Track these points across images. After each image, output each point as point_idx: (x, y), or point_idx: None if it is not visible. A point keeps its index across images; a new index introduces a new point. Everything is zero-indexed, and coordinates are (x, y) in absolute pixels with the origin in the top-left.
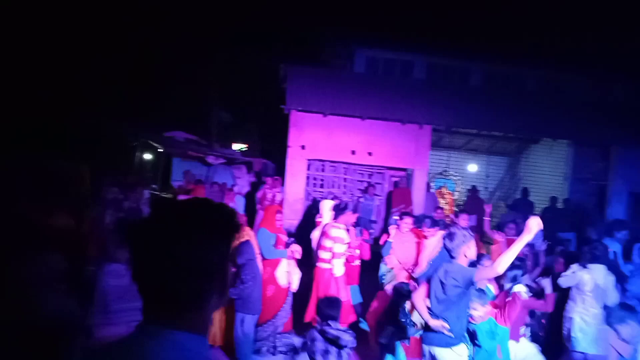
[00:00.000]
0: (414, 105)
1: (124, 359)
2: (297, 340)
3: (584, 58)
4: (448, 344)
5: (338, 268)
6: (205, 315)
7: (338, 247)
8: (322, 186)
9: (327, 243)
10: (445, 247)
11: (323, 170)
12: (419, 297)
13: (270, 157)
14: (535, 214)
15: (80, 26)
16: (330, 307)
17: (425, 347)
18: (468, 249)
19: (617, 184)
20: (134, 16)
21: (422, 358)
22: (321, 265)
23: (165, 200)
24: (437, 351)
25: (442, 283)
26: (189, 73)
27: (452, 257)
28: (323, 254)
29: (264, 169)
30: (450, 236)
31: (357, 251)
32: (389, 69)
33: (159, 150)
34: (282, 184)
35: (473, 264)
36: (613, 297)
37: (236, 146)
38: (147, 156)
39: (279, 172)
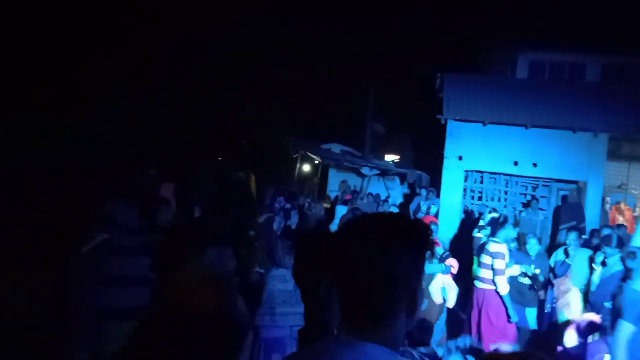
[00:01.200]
0: (586, 111)
1: None
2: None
3: None
4: None
5: (502, 286)
6: (397, 330)
7: (498, 263)
8: (480, 199)
9: (486, 260)
10: (624, 266)
11: (482, 182)
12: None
13: (424, 168)
14: None
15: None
16: (421, 331)
17: None
18: None
19: None
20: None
21: None
22: (479, 284)
23: (362, 214)
24: None
25: None
26: (344, 84)
27: (630, 278)
28: (482, 272)
29: (418, 180)
30: (631, 254)
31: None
32: (557, 72)
33: (316, 161)
34: (438, 196)
35: None
36: None
37: (389, 157)
38: (306, 167)
39: (434, 183)
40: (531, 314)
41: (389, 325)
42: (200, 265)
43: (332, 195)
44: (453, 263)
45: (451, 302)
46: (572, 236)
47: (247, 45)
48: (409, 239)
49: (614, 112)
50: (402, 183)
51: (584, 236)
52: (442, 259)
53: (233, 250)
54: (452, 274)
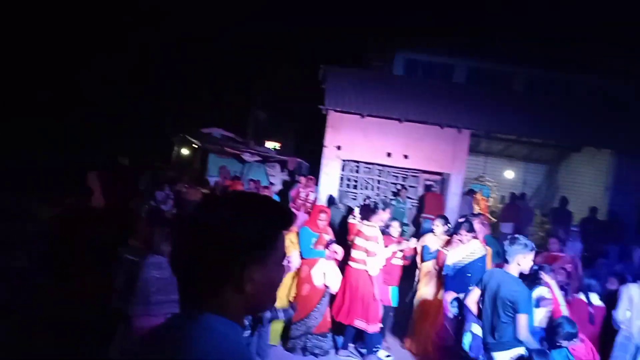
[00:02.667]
0: (453, 109)
1: (160, 342)
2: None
3: (630, 64)
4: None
5: (373, 267)
6: (234, 303)
7: (372, 245)
8: (355, 187)
9: (360, 242)
10: (503, 249)
11: (357, 172)
12: (472, 301)
13: (305, 156)
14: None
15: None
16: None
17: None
18: (523, 259)
19: None
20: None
21: None
22: (353, 265)
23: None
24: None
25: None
26: (228, 71)
27: (505, 261)
28: (356, 254)
29: (298, 168)
30: (512, 240)
31: (400, 250)
32: (429, 72)
33: (196, 146)
34: (316, 184)
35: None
36: None
37: (270, 144)
38: (185, 151)
39: (313, 171)
40: (394, 292)
41: (222, 298)
42: (74, 253)
43: (212, 180)
44: (337, 249)
45: (335, 288)
46: (432, 223)
47: (124, 21)
48: (246, 216)
49: (476, 111)
50: (282, 170)
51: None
52: (327, 245)
53: (107, 237)
54: (336, 260)
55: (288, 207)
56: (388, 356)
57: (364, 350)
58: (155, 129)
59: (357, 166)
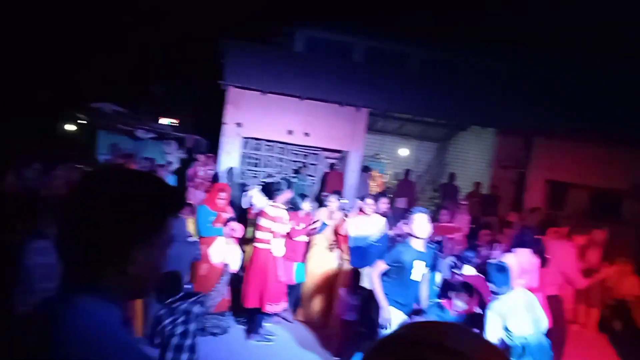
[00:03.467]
0: (352, 87)
1: (35, 325)
2: (229, 322)
3: (518, 46)
4: None
5: (278, 248)
6: (114, 284)
7: (277, 226)
8: (256, 165)
9: (265, 223)
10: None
11: (258, 150)
12: (375, 273)
13: (204, 133)
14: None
15: None
16: (170, 283)
17: None
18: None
19: (536, 172)
20: None
21: None
22: (259, 246)
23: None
24: None
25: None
26: (120, 41)
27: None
28: (261, 235)
29: (197, 145)
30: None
31: (302, 225)
32: (328, 50)
33: (84, 122)
34: (216, 162)
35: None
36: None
37: (166, 121)
38: (71, 128)
39: (213, 149)
40: (300, 269)
41: (104, 279)
42: None
43: (102, 159)
44: (236, 227)
45: (234, 266)
46: (331, 199)
47: None
48: (134, 195)
49: (374, 90)
50: (179, 148)
51: (343, 200)
52: (225, 223)
53: None
54: (235, 238)
55: (180, 190)
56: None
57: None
58: (38, 104)
59: (258, 144)
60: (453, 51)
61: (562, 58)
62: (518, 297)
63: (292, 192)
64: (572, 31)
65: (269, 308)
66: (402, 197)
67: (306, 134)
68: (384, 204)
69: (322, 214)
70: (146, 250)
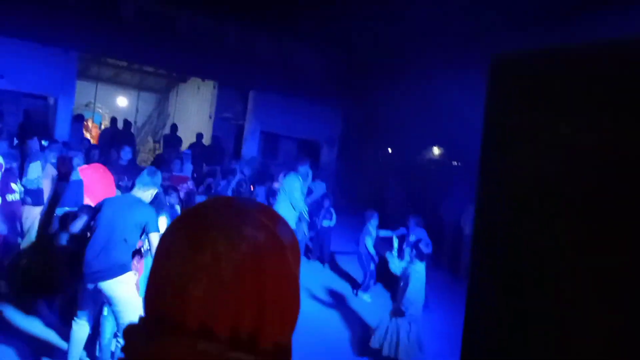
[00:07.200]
0: (59, 27)
1: None
2: None
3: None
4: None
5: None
6: None
7: None
8: None
9: None
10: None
11: None
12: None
13: None
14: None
15: None
16: None
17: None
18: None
19: (252, 124)
20: None
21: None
22: None
23: None
24: (104, 285)
25: None
26: None
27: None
28: None
29: None
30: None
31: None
32: None
33: None
34: None
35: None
36: None
37: None
38: None
39: None
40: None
41: None
42: None
43: None
44: None
45: None
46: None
47: None
48: None
49: (84, 32)
50: None
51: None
52: None
53: None
54: None
55: None
56: None
57: None
58: None
59: None
60: (174, 4)
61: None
62: None
63: None
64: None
65: None
66: (121, 148)
67: (0, 76)
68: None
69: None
70: None
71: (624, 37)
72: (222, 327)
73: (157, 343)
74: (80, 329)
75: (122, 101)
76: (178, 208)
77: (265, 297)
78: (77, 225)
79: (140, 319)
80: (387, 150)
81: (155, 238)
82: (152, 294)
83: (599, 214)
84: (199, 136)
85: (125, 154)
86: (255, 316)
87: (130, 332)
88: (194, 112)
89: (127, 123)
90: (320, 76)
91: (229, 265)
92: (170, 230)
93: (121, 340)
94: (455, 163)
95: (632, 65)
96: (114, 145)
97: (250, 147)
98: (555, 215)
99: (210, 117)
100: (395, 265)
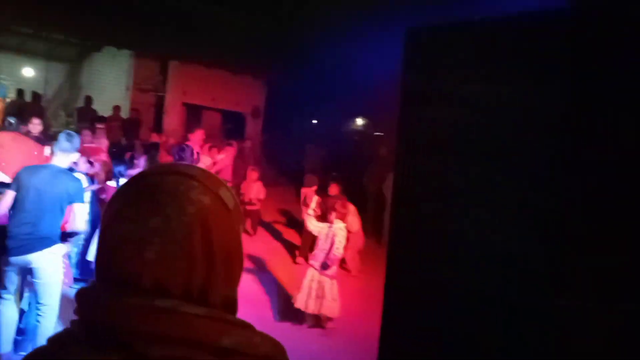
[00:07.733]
0: None
1: None
2: None
3: None
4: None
5: None
6: None
7: None
8: None
9: None
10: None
11: None
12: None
13: None
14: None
15: None
16: None
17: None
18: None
19: (173, 96)
20: None
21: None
22: None
23: None
24: (31, 257)
25: None
26: None
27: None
28: None
29: None
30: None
31: None
32: None
33: None
34: None
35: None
36: None
37: None
38: None
39: None
40: None
41: None
42: None
43: None
44: None
45: None
46: None
47: None
48: None
49: None
50: None
51: None
52: None
53: None
54: None
55: None
56: None
57: None
58: None
59: None
60: None
61: None
62: None
63: None
64: None
65: None
66: (30, 122)
67: None
68: None
69: None
70: None
71: (517, 13)
72: (175, 284)
73: (114, 303)
74: (9, 308)
75: (28, 72)
76: (90, 180)
77: (213, 254)
78: None
79: (92, 282)
80: (312, 121)
81: (79, 209)
82: (104, 258)
83: (506, 158)
84: (116, 109)
85: (34, 127)
86: (205, 273)
87: (84, 294)
88: (110, 83)
89: (36, 95)
90: (245, 46)
91: (179, 227)
92: (118, 196)
93: (45, 310)
94: (377, 133)
95: (523, 35)
96: (23, 119)
97: (172, 119)
98: (469, 161)
99: (127, 89)
100: (314, 225)
